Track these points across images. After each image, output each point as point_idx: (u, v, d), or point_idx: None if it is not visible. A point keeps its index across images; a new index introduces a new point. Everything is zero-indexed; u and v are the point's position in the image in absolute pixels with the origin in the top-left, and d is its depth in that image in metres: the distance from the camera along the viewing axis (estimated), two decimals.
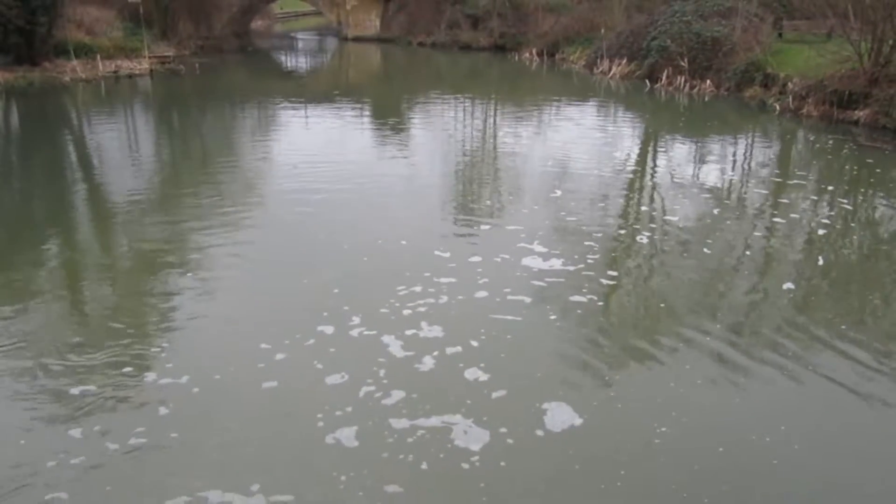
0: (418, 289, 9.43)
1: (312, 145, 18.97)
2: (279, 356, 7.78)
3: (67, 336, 8.35)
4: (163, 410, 6.86)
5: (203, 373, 7.46)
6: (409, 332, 8.31)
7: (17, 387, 7.26)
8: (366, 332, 8.31)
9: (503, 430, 6.55)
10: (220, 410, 6.88)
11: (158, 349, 8.00)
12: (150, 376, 7.42)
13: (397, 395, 7.06)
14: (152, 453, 6.27)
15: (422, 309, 8.91)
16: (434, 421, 6.67)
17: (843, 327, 8.52)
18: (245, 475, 5.95)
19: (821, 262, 10.92)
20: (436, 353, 7.85)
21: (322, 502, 5.73)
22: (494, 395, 7.12)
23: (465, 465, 6.11)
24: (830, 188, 15.27)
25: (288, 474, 6.00)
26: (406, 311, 8.83)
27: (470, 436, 6.46)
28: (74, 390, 7.16)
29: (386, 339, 8.17)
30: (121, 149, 18.92)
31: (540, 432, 6.56)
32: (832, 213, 13.35)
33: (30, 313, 8.88)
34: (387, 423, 6.61)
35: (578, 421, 6.70)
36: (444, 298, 9.21)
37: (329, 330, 8.36)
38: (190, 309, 9.01)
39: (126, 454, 6.24)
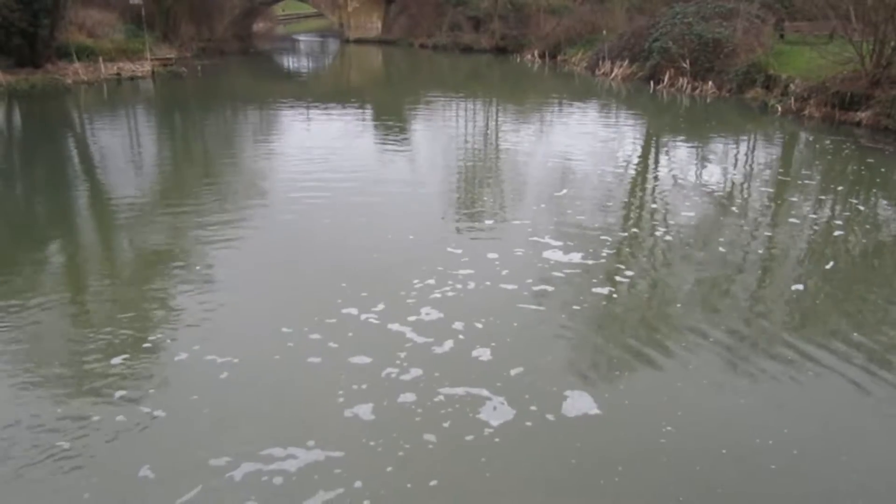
0: (432, 281, 9.64)
1: (315, 146, 18.98)
2: (302, 339, 8.07)
3: (85, 326, 8.59)
4: (191, 385, 7.16)
5: (228, 353, 7.72)
6: (425, 320, 8.55)
7: (41, 369, 7.49)
8: (385, 320, 8.53)
9: (515, 412, 6.75)
10: (250, 386, 7.18)
11: (181, 334, 8.27)
12: (181, 356, 7.72)
13: (418, 373, 7.36)
14: (193, 421, 6.59)
15: (435, 297, 9.17)
16: (457, 396, 6.99)
17: (852, 332, 8.47)
18: (296, 435, 6.34)
19: (826, 263, 10.88)
20: (454, 338, 8.09)
21: (366, 457, 6.12)
22: (508, 380, 7.31)
23: (474, 438, 6.39)
24: (833, 189, 15.25)
25: (334, 435, 6.38)
26: (421, 301, 9.04)
27: (484, 414, 6.72)
28: (103, 370, 7.44)
29: (404, 325, 8.38)
30: (123, 150, 18.95)
31: (550, 418, 6.68)
32: (836, 214, 13.34)
33: (42, 308, 8.97)
34: (413, 398, 6.97)
35: (587, 413, 6.77)
36: (455, 290, 9.40)
37: (347, 316, 8.61)
38: (204, 300, 9.15)
39: (164, 422, 6.57)
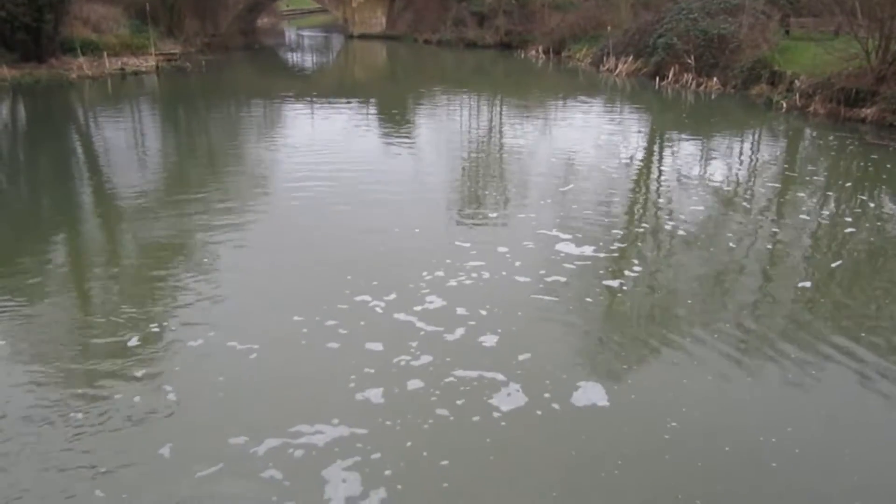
0: (441, 273, 9.79)
1: (319, 141, 19.00)
2: (313, 327, 8.31)
3: (97, 314, 8.74)
4: (206, 370, 7.39)
5: (242, 340, 7.94)
6: (436, 310, 8.72)
7: (57, 355, 7.76)
8: (397, 310, 8.69)
9: (524, 401, 6.90)
10: (269, 371, 7.39)
11: (195, 322, 8.44)
12: (197, 342, 7.96)
13: (428, 360, 7.57)
14: (211, 403, 6.83)
15: (446, 288, 9.35)
16: (468, 382, 7.20)
17: (859, 330, 8.43)
18: (322, 414, 6.60)
19: (832, 260, 10.87)
20: (464, 327, 8.29)
21: (391, 432, 6.42)
22: (518, 369, 7.44)
23: (483, 422, 6.60)
24: (839, 186, 15.23)
25: (360, 413, 6.67)
26: (433, 292, 9.20)
27: (495, 400, 6.90)
28: (119, 355, 7.68)
29: (416, 316, 8.55)
30: (127, 146, 18.97)
31: (556, 407, 6.81)
32: (842, 211, 13.31)
33: (52, 298, 9.15)
34: (426, 383, 7.17)
35: (595, 405, 6.86)
36: (464, 282, 9.58)
37: (360, 306, 8.79)
38: (214, 291, 9.32)
39: (182, 404, 6.82)
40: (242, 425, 6.42)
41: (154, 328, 8.24)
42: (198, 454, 6.05)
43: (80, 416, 6.57)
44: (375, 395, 6.93)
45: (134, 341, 7.90)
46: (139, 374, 7.28)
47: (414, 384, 7.11)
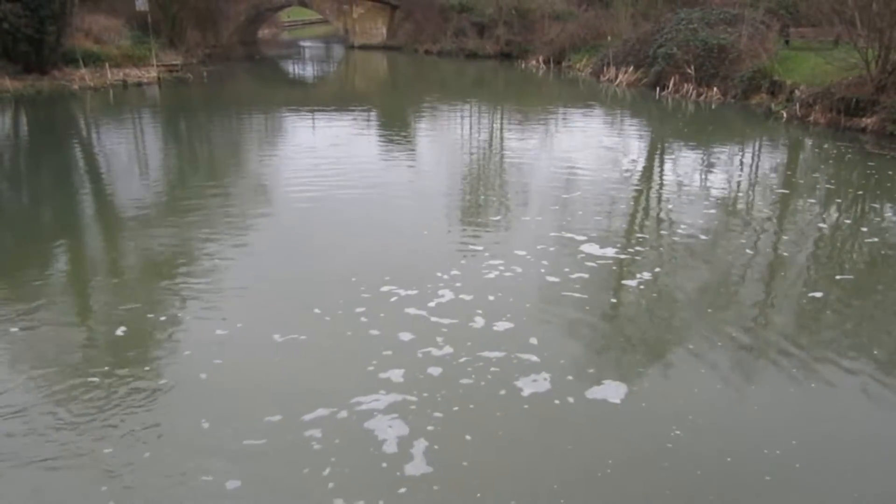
0: (457, 272, 10.11)
1: (321, 151, 19.03)
2: (335, 319, 8.66)
3: (122, 311, 8.98)
4: (237, 357, 7.80)
5: (270, 331, 8.32)
6: (455, 307, 9.04)
7: (85, 349, 8.09)
8: (420, 307, 9.02)
9: (539, 388, 7.24)
10: (303, 355, 7.86)
11: (213, 319, 8.72)
12: (223, 331, 8.33)
13: (449, 350, 7.98)
14: (231, 386, 7.23)
15: (460, 287, 9.66)
16: (483, 371, 7.61)
17: (871, 346, 8.39)
18: (371, 386, 7.21)
19: (837, 270, 10.88)
20: (481, 322, 8.65)
21: (434, 402, 6.97)
22: (534, 367, 7.70)
23: (502, 405, 7.00)
24: (839, 195, 15.23)
25: (403, 384, 7.24)
26: (449, 290, 9.52)
27: (517, 382, 7.34)
28: (146, 348, 8.03)
29: (437, 312, 8.88)
30: (129, 156, 19.00)
31: (571, 401, 7.04)
32: (844, 221, 13.32)
33: (65, 302, 9.41)
34: (446, 370, 7.59)
35: (603, 409, 6.97)
36: (475, 283, 9.84)
37: (383, 303, 9.12)
38: (230, 290, 9.55)
39: (214, 386, 7.27)
40: (279, 404, 6.83)
41: (179, 323, 8.59)
42: (234, 428, 6.50)
43: (114, 394, 7.04)
44: (396, 375, 7.40)
45: (159, 334, 8.26)
46: (169, 362, 7.73)
47: (435, 371, 7.54)
